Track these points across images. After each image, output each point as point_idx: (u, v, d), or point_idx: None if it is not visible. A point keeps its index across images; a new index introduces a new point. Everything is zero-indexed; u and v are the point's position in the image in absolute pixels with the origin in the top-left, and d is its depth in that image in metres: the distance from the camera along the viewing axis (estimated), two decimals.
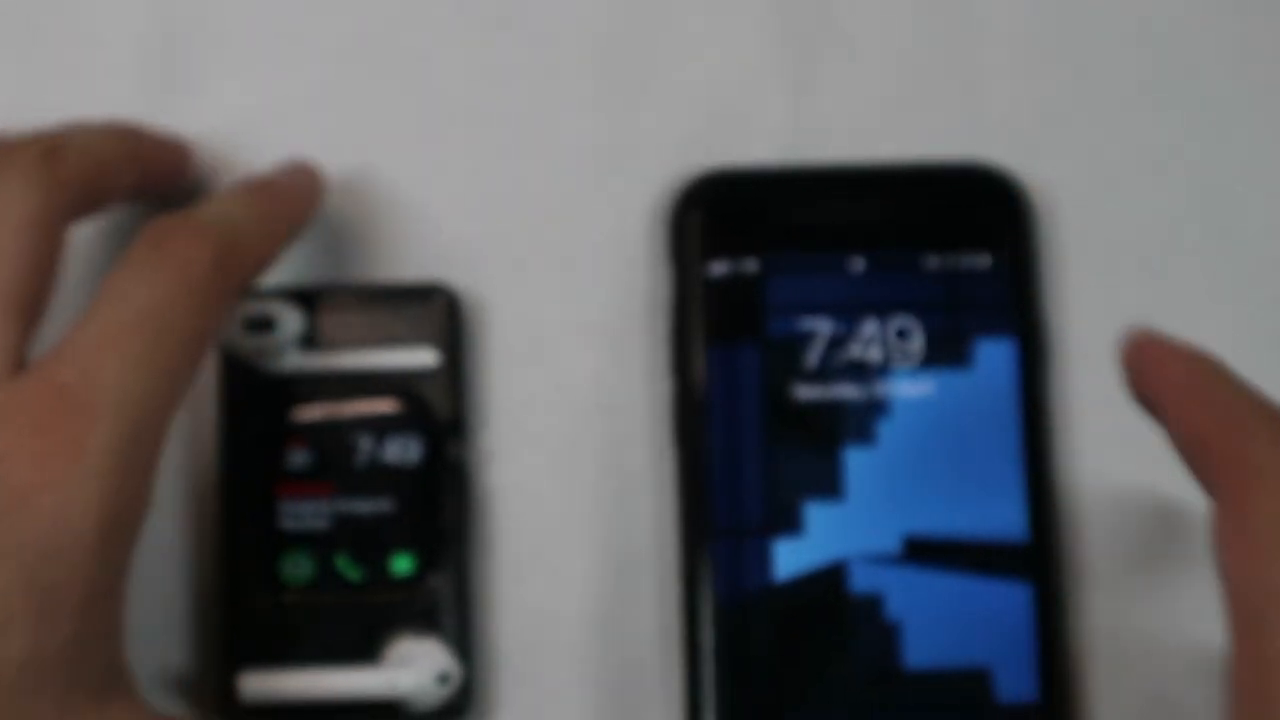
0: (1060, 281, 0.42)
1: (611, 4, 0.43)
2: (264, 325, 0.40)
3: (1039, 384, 0.41)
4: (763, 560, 0.40)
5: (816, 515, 0.40)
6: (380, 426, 0.40)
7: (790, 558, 0.40)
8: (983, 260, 0.41)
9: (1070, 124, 0.43)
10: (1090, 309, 0.42)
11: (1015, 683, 0.40)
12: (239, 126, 0.43)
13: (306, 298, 0.41)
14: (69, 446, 0.34)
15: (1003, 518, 0.40)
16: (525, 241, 0.43)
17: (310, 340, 0.41)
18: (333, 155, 0.42)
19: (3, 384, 0.34)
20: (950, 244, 0.41)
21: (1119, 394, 0.42)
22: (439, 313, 0.41)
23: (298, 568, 0.40)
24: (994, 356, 0.41)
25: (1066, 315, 0.42)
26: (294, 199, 0.40)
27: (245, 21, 0.43)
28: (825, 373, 0.41)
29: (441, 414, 0.41)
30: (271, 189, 0.40)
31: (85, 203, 0.37)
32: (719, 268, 0.41)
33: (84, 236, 0.42)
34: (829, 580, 0.40)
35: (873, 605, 0.40)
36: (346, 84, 0.43)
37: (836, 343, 0.41)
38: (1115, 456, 0.41)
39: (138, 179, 0.39)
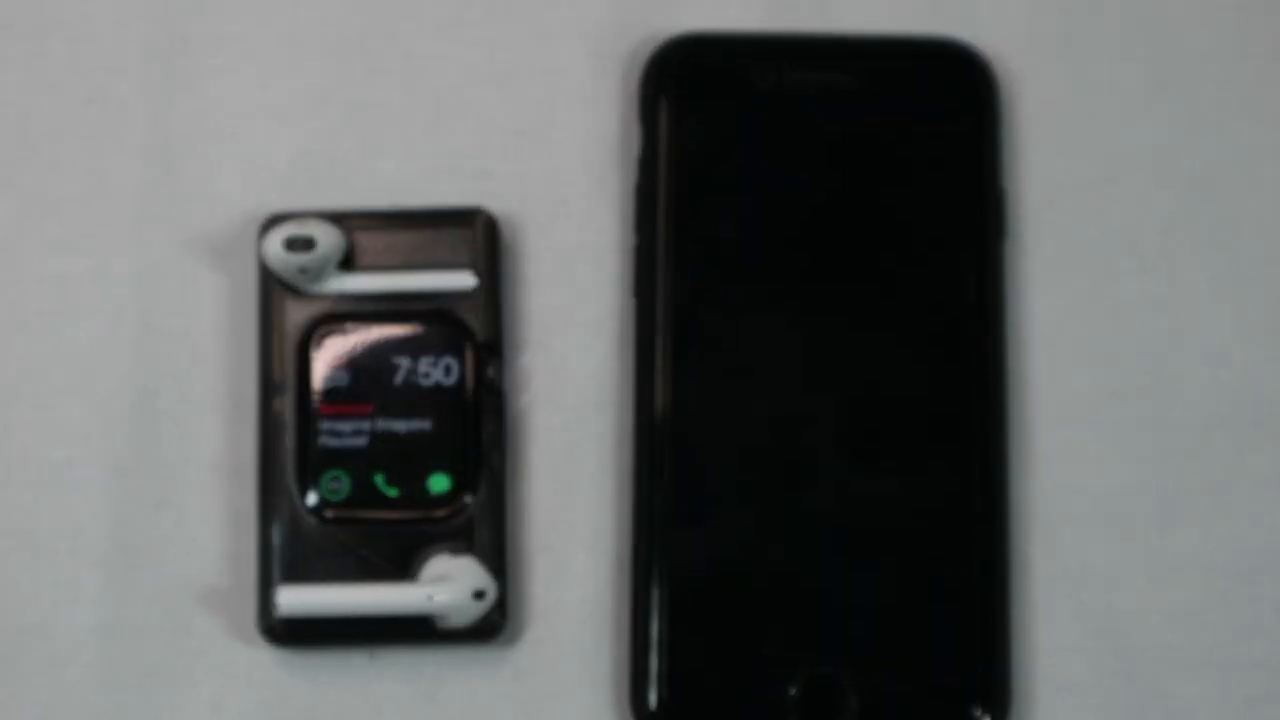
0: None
1: None
2: (304, 246, 0.41)
3: None
4: None
5: None
6: (418, 347, 0.41)
7: None
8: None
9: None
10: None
11: None
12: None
13: (346, 220, 0.42)
14: None
15: None
16: (561, 166, 0.44)
17: (350, 262, 0.42)
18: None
19: None
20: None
21: None
22: (477, 236, 0.42)
23: (336, 485, 0.41)
24: None
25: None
26: None
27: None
28: None
29: (479, 336, 0.42)
30: None
31: None
32: (686, 128, 0.43)
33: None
34: None
35: None
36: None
37: None
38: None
39: None
